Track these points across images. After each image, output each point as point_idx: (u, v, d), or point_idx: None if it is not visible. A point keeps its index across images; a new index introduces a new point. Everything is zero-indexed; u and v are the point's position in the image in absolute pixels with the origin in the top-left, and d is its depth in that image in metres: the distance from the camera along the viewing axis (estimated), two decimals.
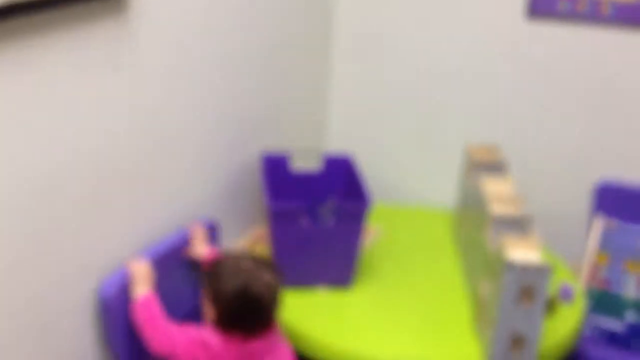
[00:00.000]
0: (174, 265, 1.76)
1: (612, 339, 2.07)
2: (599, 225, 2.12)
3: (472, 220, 2.03)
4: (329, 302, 1.91)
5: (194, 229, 1.79)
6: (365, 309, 1.90)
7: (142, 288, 1.59)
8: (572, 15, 2.22)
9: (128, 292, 1.58)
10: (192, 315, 1.75)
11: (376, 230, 2.25)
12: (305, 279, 1.94)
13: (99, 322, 1.59)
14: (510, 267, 1.59)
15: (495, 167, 2.09)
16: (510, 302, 1.61)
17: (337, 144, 2.59)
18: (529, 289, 1.61)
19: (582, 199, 2.29)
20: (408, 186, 2.56)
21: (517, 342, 1.65)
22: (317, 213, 1.92)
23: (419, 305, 1.91)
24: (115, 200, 1.58)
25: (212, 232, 1.87)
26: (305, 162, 2.19)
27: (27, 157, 1.30)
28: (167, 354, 1.57)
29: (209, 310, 1.58)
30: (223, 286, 1.54)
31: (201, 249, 1.78)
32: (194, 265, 1.79)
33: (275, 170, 2.13)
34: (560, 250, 2.22)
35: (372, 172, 2.39)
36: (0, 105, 1.21)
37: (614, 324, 2.07)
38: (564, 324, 1.86)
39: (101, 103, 1.47)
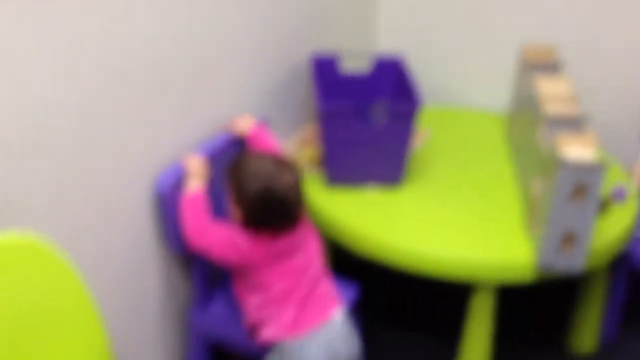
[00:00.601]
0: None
1: None
2: None
3: (525, 121, 2.00)
4: (379, 201, 1.92)
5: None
6: (415, 207, 1.91)
7: (194, 183, 1.62)
8: None
9: (183, 186, 1.61)
10: None
11: (426, 132, 2.24)
12: (356, 178, 1.95)
13: (156, 217, 1.64)
14: (564, 165, 1.57)
15: (551, 68, 2.03)
16: (563, 200, 1.60)
17: (387, 45, 2.55)
18: (582, 187, 1.59)
19: (638, 103, 2.24)
20: (459, 88, 2.52)
21: (568, 239, 1.65)
22: (366, 113, 1.91)
23: (469, 204, 1.92)
24: (172, 97, 1.60)
25: None
26: (354, 64, 2.17)
27: (89, 51, 1.32)
28: (203, 252, 1.60)
29: (234, 211, 1.59)
30: (245, 188, 1.54)
31: (244, 123, 1.79)
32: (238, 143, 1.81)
33: (325, 71, 2.12)
34: (615, 153, 2.18)
35: (422, 74, 2.36)
36: None
37: None
38: (616, 224, 1.84)
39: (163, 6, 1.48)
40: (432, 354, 2.16)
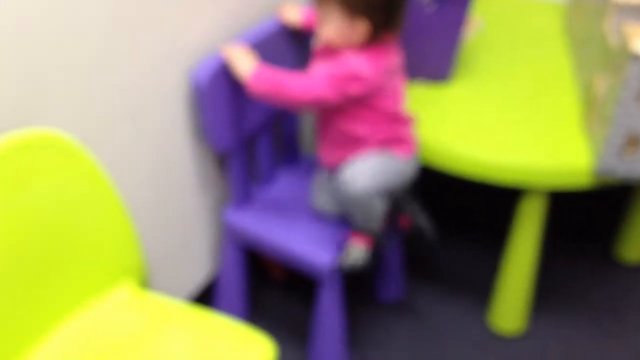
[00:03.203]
0: (275, 51, 1.67)
1: None
2: None
3: (589, 11, 1.83)
4: (427, 97, 1.80)
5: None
6: (464, 106, 1.78)
7: (249, 63, 1.47)
8: None
9: (222, 78, 1.51)
10: None
11: (477, 22, 2.08)
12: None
13: (192, 110, 1.55)
14: (636, 58, 1.42)
15: None
16: (631, 98, 1.47)
17: None
18: None
19: None
20: None
21: (633, 141, 1.52)
22: None
23: (523, 103, 1.78)
24: None
25: None
26: None
27: None
28: (320, 102, 1.45)
29: (349, 31, 1.43)
30: None
31: (294, 12, 1.67)
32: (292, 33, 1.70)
33: None
34: None
35: None
36: None
37: None
38: None
39: None
40: (478, 257, 2.10)
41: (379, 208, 1.54)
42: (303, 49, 1.74)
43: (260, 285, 1.99)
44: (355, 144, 1.54)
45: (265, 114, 1.68)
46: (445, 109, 1.77)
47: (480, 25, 2.07)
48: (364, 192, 1.49)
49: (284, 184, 1.80)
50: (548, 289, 1.98)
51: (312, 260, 1.59)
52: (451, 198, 2.29)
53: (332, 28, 1.44)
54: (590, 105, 1.67)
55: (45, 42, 1.13)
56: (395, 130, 1.55)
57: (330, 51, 1.48)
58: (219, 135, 1.56)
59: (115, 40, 1.27)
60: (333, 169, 1.62)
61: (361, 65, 1.43)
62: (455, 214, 2.25)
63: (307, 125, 2.00)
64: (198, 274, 1.75)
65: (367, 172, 1.49)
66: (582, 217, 2.21)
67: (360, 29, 1.43)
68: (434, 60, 1.81)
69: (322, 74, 1.44)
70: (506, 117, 1.74)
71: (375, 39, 1.45)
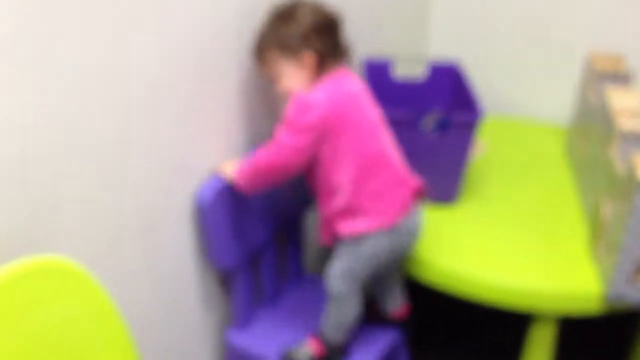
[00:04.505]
0: None
1: None
2: None
3: (592, 136, 1.86)
4: (432, 219, 1.79)
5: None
6: (470, 228, 1.77)
7: (233, 166, 1.51)
8: None
9: (226, 197, 1.51)
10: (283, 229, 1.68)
11: (482, 145, 2.11)
12: None
13: (197, 229, 1.54)
14: None
15: (621, 78, 1.89)
16: (639, 225, 1.46)
17: (439, 50, 2.42)
18: None
19: None
20: (517, 98, 2.37)
21: None
22: (421, 123, 1.79)
23: (529, 226, 1.78)
24: (218, 103, 1.50)
25: None
26: (408, 69, 2.05)
27: (127, 57, 1.22)
28: (288, 156, 1.43)
29: (302, 70, 1.45)
30: (303, 25, 1.43)
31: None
32: None
33: (377, 77, 2.00)
34: None
35: (478, 82, 2.23)
36: None
37: None
38: None
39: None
40: None
41: (351, 313, 1.54)
42: None
43: None
44: (332, 195, 1.49)
45: (270, 229, 1.67)
46: (452, 231, 1.76)
47: (484, 148, 2.10)
48: (337, 292, 1.52)
49: (288, 305, 1.76)
50: None
51: None
52: (458, 320, 2.24)
53: (287, 77, 1.46)
54: (597, 230, 1.66)
55: (55, 166, 1.13)
56: (378, 179, 1.48)
57: None
58: (223, 254, 1.55)
59: (126, 160, 1.28)
60: (329, 244, 1.60)
61: (310, 94, 1.42)
62: (462, 336, 2.20)
63: (311, 242, 1.99)
64: None
65: (340, 273, 1.52)
66: (592, 340, 2.16)
67: (308, 60, 1.43)
68: (440, 183, 1.82)
69: (281, 128, 1.44)
70: (513, 239, 1.73)
71: (326, 68, 1.45)
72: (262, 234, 1.65)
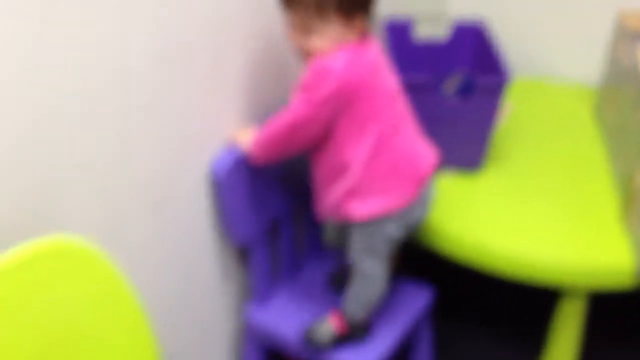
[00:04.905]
0: None
1: None
2: None
3: (624, 99, 1.77)
4: (457, 187, 1.73)
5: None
6: (495, 198, 1.70)
7: (248, 136, 1.44)
8: None
9: (241, 169, 1.45)
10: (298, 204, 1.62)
11: (508, 108, 2.03)
12: None
13: (213, 202, 1.49)
14: None
15: None
16: None
17: (462, 9, 2.32)
18: None
19: None
20: (544, 58, 2.27)
21: None
22: (445, 86, 1.71)
23: (557, 195, 1.70)
24: (232, 71, 1.43)
25: None
26: (431, 29, 1.96)
27: (138, 24, 1.15)
28: (303, 125, 1.34)
29: (324, 27, 1.31)
30: None
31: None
32: None
33: (398, 38, 1.92)
34: None
35: (503, 42, 2.13)
36: None
37: None
38: None
39: None
40: (511, 358, 1.97)
41: (378, 291, 1.49)
42: None
43: None
44: (340, 173, 1.40)
45: (287, 202, 1.62)
46: (477, 201, 1.69)
47: (510, 110, 2.02)
48: (364, 268, 1.48)
49: (309, 278, 1.72)
50: None
51: None
52: (483, 294, 2.17)
53: (318, 35, 1.31)
54: (630, 199, 1.59)
55: (63, 139, 1.08)
56: (392, 156, 1.40)
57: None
58: (240, 228, 1.50)
59: (137, 132, 1.22)
60: (336, 218, 1.51)
61: (328, 59, 1.31)
62: (487, 311, 2.13)
63: None
64: None
65: (361, 250, 1.46)
66: (624, 316, 2.08)
67: (346, 22, 1.31)
68: (464, 149, 1.75)
69: (296, 94, 1.34)
70: (540, 209, 1.66)
71: (354, 31, 1.33)
72: (280, 207, 1.60)
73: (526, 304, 2.08)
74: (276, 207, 1.58)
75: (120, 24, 1.11)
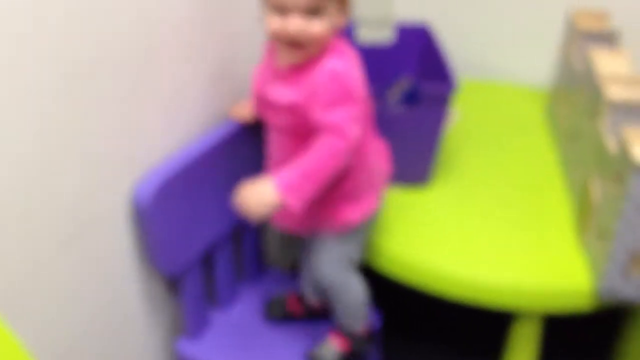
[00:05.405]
0: (234, 153, 1.48)
1: None
2: None
3: (577, 103, 1.68)
4: (404, 203, 1.61)
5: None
6: (446, 211, 1.59)
7: (266, 186, 1.19)
8: None
9: (168, 193, 1.32)
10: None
11: (455, 113, 1.93)
12: None
13: (136, 230, 1.35)
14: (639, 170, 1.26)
15: (606, 37, 1.71)
16: (635, 211, 1.30)
17: (410, 11, 2.21)
18: None
19: None
20: (493, 60, 2.18)
21: (638, 259, 1.35)
22: (385, 95, 1.60)
23: (509, 208, 1.60)
24: (158, 86, 1.29)
25: None
26: (373, 33, 1.85)
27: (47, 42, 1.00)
28: (354, 148, 1.21)
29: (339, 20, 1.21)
30: None
31: (243, 107, 1.48)
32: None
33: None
34: None
35: (449, 42, 2.03)
36: None
37: None
38: None
39: None
40: None
41: (359, 296, 1.41)
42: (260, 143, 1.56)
43: None
44: (346, 176, 1.28)
45: (224, 223, 1.48)
46: (424, 217, 1.58)
47: (457, 116, 1.92)
48: (335, 284, 1.38)
49: (246, 304, 1.59)
50: None
51: None
52: (434, 315, 2.05)
53: (327, 19, 1.17)
54: (586, 213, 1.49)
55: None
56: (375, 157, 1.36)
57: (299, 71, 1.23)
58: (167, 257, 1.36)
59: (46, 157, 1.07)
60: (300, 232, 1.41)
61: (341, 65, 1.19)
62: (440, 332, 2.01)
63: (273, 235, 1.80)
64: None
65: (334, 262, 1.37)
66: (576, 335, 1.97)
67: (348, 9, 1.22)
68: (410, 162, 1.63)
69: (329, 120, 1.17)
70: (491, 226, 1.55)
71: (343, 20, 1.23)
72: (215, 229, 1.46)
73: (480, 324, 1.97)
74: (211, 231, 1.45)
75: (25, 38, 0.96)
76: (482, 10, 2.12)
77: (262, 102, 1.33)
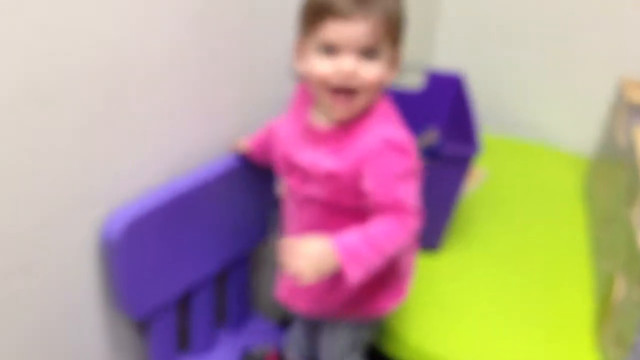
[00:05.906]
0: (224, 192, 1.36)
1: None
2: None
3: (616, 181, 1.51)
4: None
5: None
6: (454, 286, 1.44)
7: (320, 246, 1.00)
8: None
9: (140, 231, 1.20)
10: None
11: (481, 172, 1.77)
12: None
13: (102, 268, 1.23)
14: None
15: None
16: None
17: (445, 59, 2.07)
18: None
19: None
20: (530, 119, 2.02)
21: None
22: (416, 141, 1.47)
23: (523, 290, 1.44)
24: (132, 116, 1.18)
25: None
26: (406, 79, 1.72)
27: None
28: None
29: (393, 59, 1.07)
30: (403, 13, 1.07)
31: (243, 140, 1.36)
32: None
33: None
34: None
35: (485, 98, 1.88)
36: None
37: None
38: None
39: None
40: None
41: None
42: (256, 182, 1.43)
43: None
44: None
45: (205, 269, 1.36)
46: (429, 292, 1.42)
47: (483, 176, 1.76)
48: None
49: (221, 353, 1.46)
50: None
51: None
52: None
53: (381, 64, 1.03)
54: (606, 311, 1.32)
55: None
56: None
57: (340, 134, 1.07)
58: (135, 300, 1.24)
59: (17, 184, 0.97)
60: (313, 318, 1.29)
61: (399, 134, 1.05)
62: None
63: (263, 276, 1.67)
64: None
65: (349, 349, 1.24)
66: None
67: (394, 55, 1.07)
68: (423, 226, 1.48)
69: (393, 198, 1.03)
70: (501, 312, 1.39)
71: (395, 68, 1.09)
72: (196, 272, 1.34)
73: None
74: (190, 272, 1.33)
75: None
76: (525, 65, 1.97)
77: (288, 165, 1.15)
